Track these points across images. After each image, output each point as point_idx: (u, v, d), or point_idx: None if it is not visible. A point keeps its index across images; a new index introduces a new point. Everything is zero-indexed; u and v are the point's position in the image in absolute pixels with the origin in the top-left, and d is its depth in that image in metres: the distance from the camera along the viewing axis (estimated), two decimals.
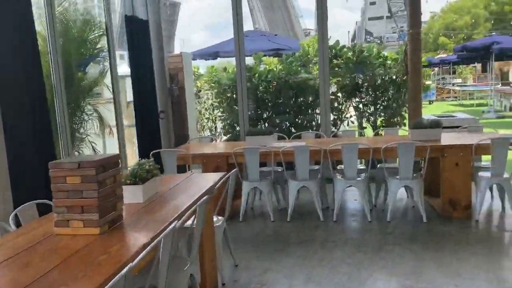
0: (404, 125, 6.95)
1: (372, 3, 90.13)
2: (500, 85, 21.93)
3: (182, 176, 3.92)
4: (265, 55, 8.01)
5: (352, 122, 7.45)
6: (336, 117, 7.38)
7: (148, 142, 6.67)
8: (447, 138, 4.96)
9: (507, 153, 4.48)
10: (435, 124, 4.97)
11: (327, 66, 6.70)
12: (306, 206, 5.45)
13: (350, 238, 4.38)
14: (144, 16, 6.85)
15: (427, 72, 29.52)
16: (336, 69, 7.19)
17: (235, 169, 3.71)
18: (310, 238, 4.43)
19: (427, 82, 23.22)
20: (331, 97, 7.40)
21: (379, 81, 7.21)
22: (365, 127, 7.47)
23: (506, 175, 4.58)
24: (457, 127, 6.18)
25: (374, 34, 43.41)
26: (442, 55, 27.49)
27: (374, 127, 7.36)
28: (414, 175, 4.76)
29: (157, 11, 7.21)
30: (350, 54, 7.17)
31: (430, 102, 22.31)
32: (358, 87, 7.26)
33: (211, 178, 3.64)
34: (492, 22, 38.37)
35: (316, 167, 5.43)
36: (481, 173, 4.73)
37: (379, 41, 39.88)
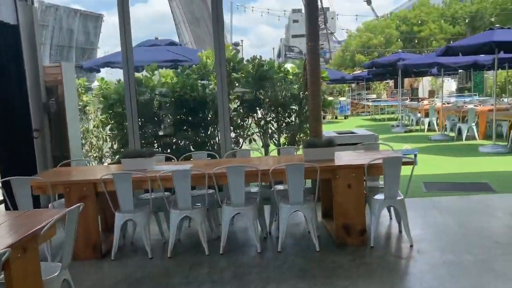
0: None
1: (295, 21, 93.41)
2: (409, 100, 23.12)
3: (13, 214, 3.12)
4: (162, 67, 7.35)
5: (254, 140, 6.99)
6: (237, 134, 6.89)
7: (18, 166, 5.69)
8: (341, 158, 4.61)
9: (400, 173, 4.20)
10: (328, 143, 4.60)
11: (225, 80, 6.19)
12: (194, 237, 4.81)
13: (233, 276, 3.81)
14: (11, 20, 5.91)
15: (343, 88, 30.61)
16: (236, 83, 6.71)
17: (78, 205, 2.98)
18: (188, 280, 3.79)
19: (342, 98, 23.90)
20: (233, 113, 6.93)
21: (281, 97, 6.84)
22: (269, 145, 7.06)
23: (400, 197, 4.31)
24: (357, 144, 5.95)
25: (295, 51, 44.48)
26: (357, 72, 28.61)
27: (278, 145, 6.97)
28: (307, 198, 4.34)
29: (30, 15, 6.27)
30: (250, 67, 6.74)
31: (345, 117, 22.95)
32: (259, 103, 6.84)
33: (45, 217, 2.89)
34: (400, 40, 40.98)
35: (210, 191, 4.83)
36: (375, 196, 4.42)
37: (301, 57, 40.87)
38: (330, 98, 7.60)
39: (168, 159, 5.51)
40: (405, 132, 14.61)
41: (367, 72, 19.06)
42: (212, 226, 4.82)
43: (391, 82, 34.66)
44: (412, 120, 15.81)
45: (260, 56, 6.76)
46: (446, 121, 12.84)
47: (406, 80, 34.07)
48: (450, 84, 34.57)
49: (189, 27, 77.54)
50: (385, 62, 14.30)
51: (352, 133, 6.48)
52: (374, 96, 32.06)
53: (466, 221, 4.93)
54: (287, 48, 43.73)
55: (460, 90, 30.45)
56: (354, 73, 27.25)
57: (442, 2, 46.69)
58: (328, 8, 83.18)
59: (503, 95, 21.76)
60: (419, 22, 39.85)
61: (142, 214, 4.35)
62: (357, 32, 48.09)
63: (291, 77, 6.92)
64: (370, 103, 22.66)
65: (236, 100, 6.89)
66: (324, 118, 23.06)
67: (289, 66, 7.22)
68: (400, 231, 4.67)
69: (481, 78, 27.55)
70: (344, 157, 4.66)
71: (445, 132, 12.71)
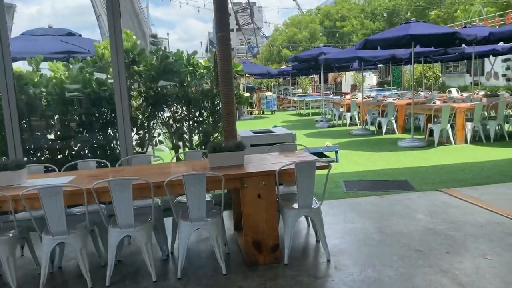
0: None
1: None
2: (332, 95, 23.45)
3: None
4: (52, 59, 6.32)
5: (161, 142, 6.25)
6: (141, 136, 6.09)
7: None
8: (252, 163, 4.04)
9: (314, 179, 3.71)
10: (236, 147, 4.01)
11: (123, 73, 5.37)
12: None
13: None
14: None
15: (270, 83, 30.50)
16: (136, 77, 5.91)
17: None
18: None
19: (268, 93, 23.65)
20: (137, 112, 6.12)
21: (191, 93, 6.15)
22: (180, 147, 6.35)
23: (315, 205, 3.83)
24: (275, 144, 5.47)
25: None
26: (283, 67, 28.59)
27: (191, 147, 6.28)
28: (211, 213, 3.73)
29: None
30: (153, 59, 5.96)
31: (272, 112, 22.74)
32: (167, 100, 6.09)
33: None
34: (324, 35, 41.92)
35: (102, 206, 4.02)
36: (290, 204, 3.91)
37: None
38: (247, 94, 7.05)
39: (49, 171, 4.60)
40: (328, 127, 14.56)
41: (291, 67, 18.89)
42: (100, 251, 4.03)
43: (316, 77, 35.27)
44: (335, 115, 15.84)
45: (165, 48, 6.00)
46: (367, 115, 12.91)
47: (330, 75, 34.83)
48: (371, 79, 35.84)
49: None
50: (307, 56, 14.11)
51: (270, 132, 5.96)
52: (300, 90, 32.36)
53: (386, 225, 4.60)
54: (211, 42, 42.70)
55: (381, 84, 31.63)
56: (280, 68, 27.10)
57: None
58: (254, 3, 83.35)
59: (419, 88, 22.79)
60: (340, 16, 40.95)
61: (1, 242, 3.46)
62: (283, 26, 48.47)
63: (202, 70, 6.25)
64: (295, 98, 22.62)
65: (140, 97, 6.08)
66: (251, 113, 22.74)
67: (202, 59, 6.56)
68: (317, 241, 4.21)
69: (399, 72, 28.81)
70: (254, 162, 4.09)
71: (366, 127, 12.77)
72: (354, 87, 29.33)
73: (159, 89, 6.02)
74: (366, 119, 12.86)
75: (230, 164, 3.96)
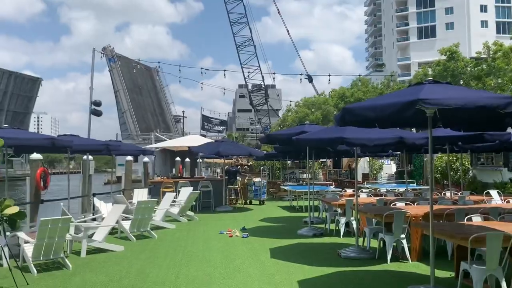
0: None
1: (242, 96, 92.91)
2: (333, 186, 19.17)
3: None
4: None
5: None
6: None
7: None
8: None
9: None
10: None
11: None
12: None
13: None
14: None
15: (276, 165, 26.51)
16: None
17: None
18: None
19: (256, 179, 19.54)
20: None
21: None
22: None
23: None
24: None
25: (214, 122, 41.38)
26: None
27: None
28: None
29: None
30: None
31: (261, 202, 18.52)
32: None
33: None
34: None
35: None
36: None
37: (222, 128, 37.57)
38: (15, 209, 3.01)
39: None
40: (314, 235, 10.17)
41: (274, 148, 15.06)
42: None
43: (329, 161, 31.26)
44: (326, 217, 11.49)
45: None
46: (366, 225, 8.62)
47: (346, 160, 30.56)
48: (390, 166, 31.26)
49: (128, 94, 74.30)
50: (279, 136, 10.27)
51: None
52: (307, 176, 28.10)
53: None
54: (206, 118, 40.15)
55: (400, 174, 27.13)
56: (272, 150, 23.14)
57: (381, 82, 46.02)
58: (274, 85, 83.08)
59: (445, 181, 18.38)
60: (356, 99, 38.06)
61: None
62: (296, 107, 46.00)
63: None
64: (286, 187, 18.46)
65: None
66: (235, 202, 18.63)
67: None
68: None
69: (421, 161, 24.49)
70: None
71: (365, 244, 8.41)
72: (366, 176, 25.00)
73: None
74: (364, 231, 8.55)
75: None
